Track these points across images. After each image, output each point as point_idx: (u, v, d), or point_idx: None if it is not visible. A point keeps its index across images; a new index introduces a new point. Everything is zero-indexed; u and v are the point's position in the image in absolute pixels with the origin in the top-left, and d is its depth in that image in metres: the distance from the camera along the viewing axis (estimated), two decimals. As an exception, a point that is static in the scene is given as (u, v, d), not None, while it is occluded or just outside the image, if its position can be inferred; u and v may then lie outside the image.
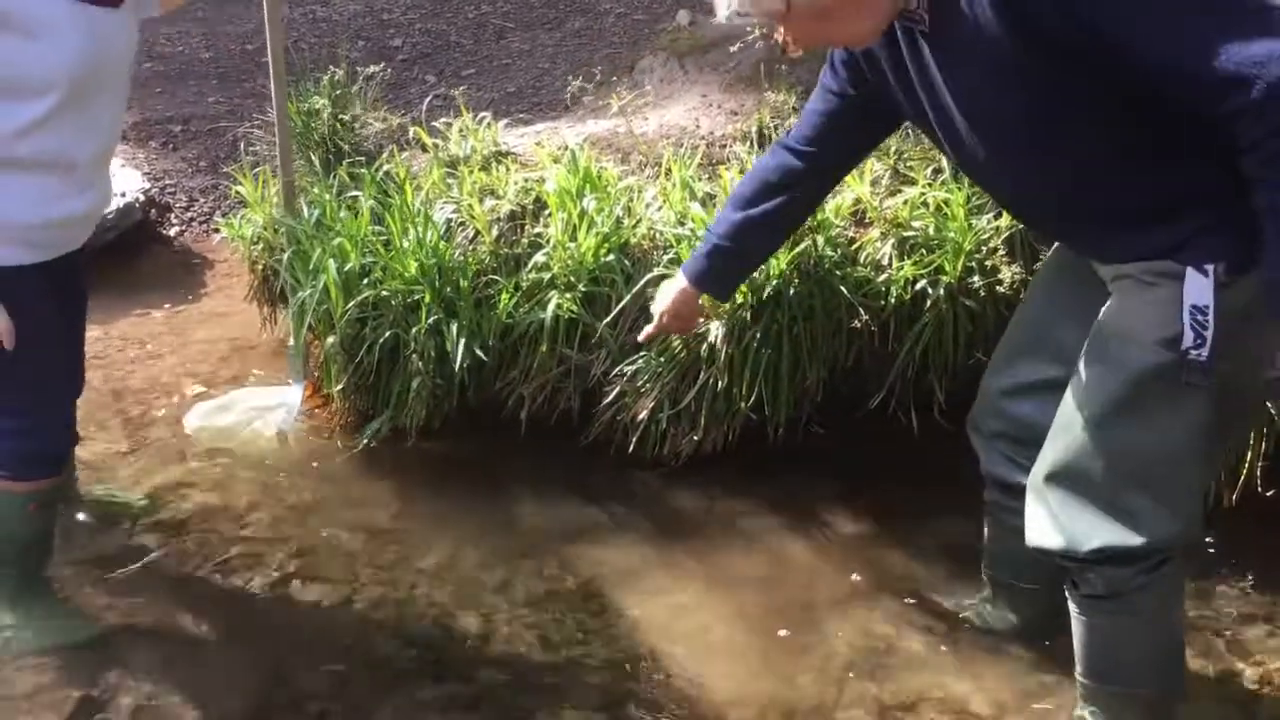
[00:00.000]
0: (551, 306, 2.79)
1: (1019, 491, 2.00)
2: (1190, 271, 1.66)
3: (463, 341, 2.78)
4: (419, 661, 2.29)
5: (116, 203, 3.94)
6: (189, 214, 4.19)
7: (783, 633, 2.35)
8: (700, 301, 2.33)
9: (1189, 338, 1.68)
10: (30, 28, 1.97)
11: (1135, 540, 1.79)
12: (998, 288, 2.72)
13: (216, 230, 4.02)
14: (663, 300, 2.32)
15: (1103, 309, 1.82)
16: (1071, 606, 1.93)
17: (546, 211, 2.93)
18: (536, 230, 2.94)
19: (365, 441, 2.90)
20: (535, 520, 2.72)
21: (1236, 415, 1.82)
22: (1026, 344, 2.06)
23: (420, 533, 2.67)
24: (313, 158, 3.35)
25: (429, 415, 2.89)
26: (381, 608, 2.44)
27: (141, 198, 4.05)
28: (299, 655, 2.30)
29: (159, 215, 4.14)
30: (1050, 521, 1.86)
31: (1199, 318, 1.67)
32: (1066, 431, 1.84)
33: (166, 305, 3.72)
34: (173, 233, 4.12)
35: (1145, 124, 1.62)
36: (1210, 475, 1.94)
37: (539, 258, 2.85)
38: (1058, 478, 1.85)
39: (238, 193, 3.47)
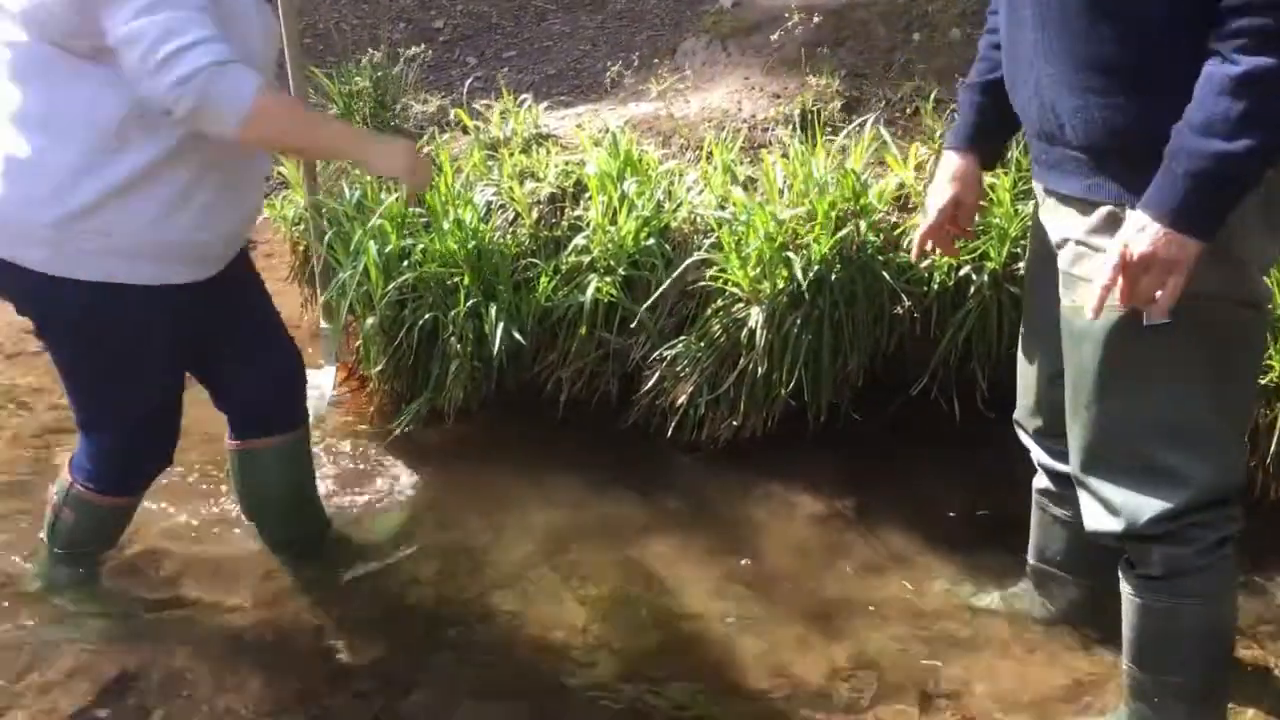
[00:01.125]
0: (591, 290, 2.78)
1: (1066, 479, 1.98)
2: (1130, 213, 1.64)
3: (501, 324, 2.77)
4: (455, 642, 2.30)
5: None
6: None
7: (822, 618, 2.34)
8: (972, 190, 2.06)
9: None
10: (227, 14, 1.90)
11: (1184, 495, 1.77)
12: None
13: (258, 211, 4.03)
14: (939, 193, 2.05)
15: (1060, 291, 1.81)
16: (1125, 590, 1.91)
17: (587, 195, 2.92)
18: (576, 213, 2.93)
19: (403, 423, 2.90)
20: (573, 502, 2.72)
21: (1236, 346, 1.77)
22: (1044, 334, 2.02)
23: (457, 515, 2.67)
24: (354, 139, 3.35)
25: (467, 398, 2.89)
26: (418, 588, 2.45)
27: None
28: (338, 635, 2.31)
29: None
30: (1101, 506, 1.84)
31: None
32: (1075, 417, 1.85)
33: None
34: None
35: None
36: (1239, 416, 1.87)
37: (579, 241, 2.84)
38: (1089, 463, 1.85)
39: (279, 174, 3.48)
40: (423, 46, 3.75)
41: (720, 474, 2.79)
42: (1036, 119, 1.80)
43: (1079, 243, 1.77)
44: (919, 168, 2.85)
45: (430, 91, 3.51)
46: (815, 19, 3.36)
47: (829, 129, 3.00)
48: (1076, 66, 1.69)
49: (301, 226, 3.28)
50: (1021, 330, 2.12)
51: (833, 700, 2.13)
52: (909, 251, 2.75)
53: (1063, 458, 2.03)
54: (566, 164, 3.02)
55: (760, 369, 2.69)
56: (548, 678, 2.21)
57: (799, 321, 2.66)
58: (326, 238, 3.00)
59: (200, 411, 2.48)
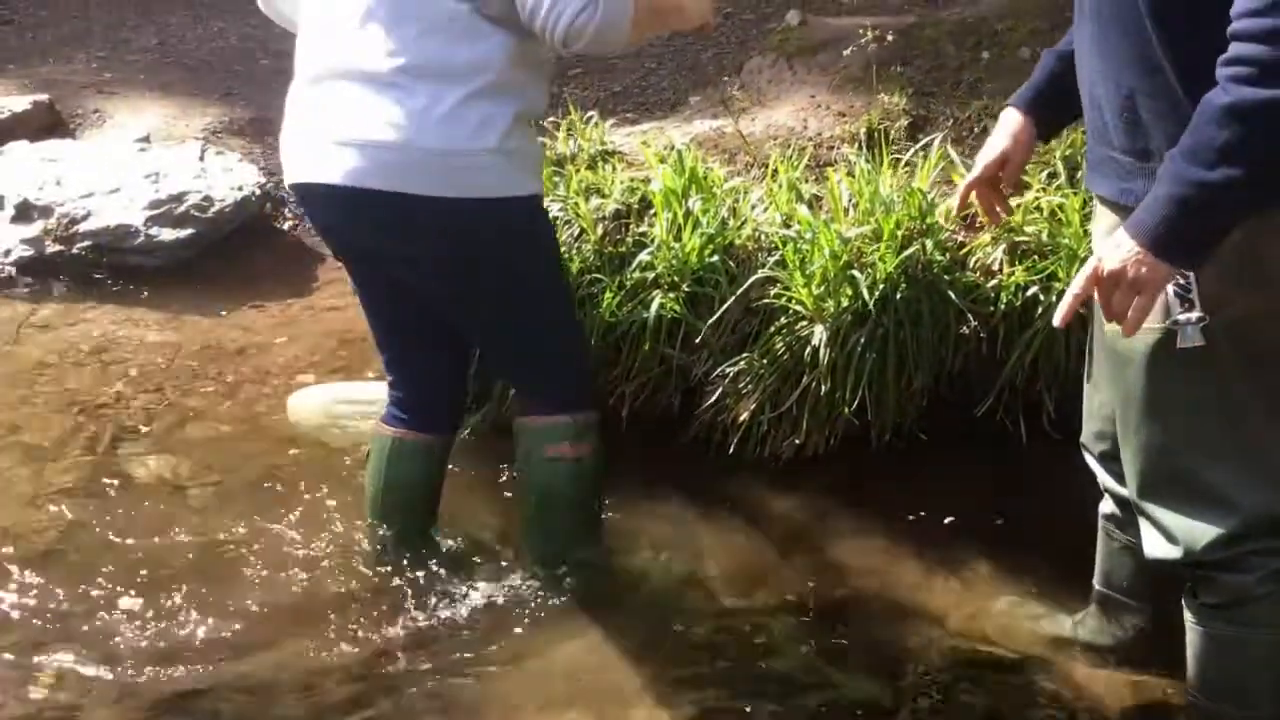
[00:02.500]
0: (655, 306, 2.80)
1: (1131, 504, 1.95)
2: (1117, 232, 1.62)
3: (566, 339, 2.79)
4: (514, 651, 2.31)
5: (234, 196, 4.05)
6: (302, 209, 4.28)
7: (884, 637, 2.32)
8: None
9: (1175, 306, 1.65)
10: None
11: (1238, 520, 1.74)
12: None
13: (328, 225, 4.10)
14: (989, 147, 2.06)
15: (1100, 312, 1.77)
16: (1189, 619, 1.88)
17: (651, 211, 2.93)
18: (641, 229, 2.94)
19: (466, 434, 2.93)
20: (636, 514, 2.73)
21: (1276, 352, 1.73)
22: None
23: (513, 530, 2.69)
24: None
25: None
26: (483, 596, 2.46)
27: (258, 192, 4.16)
28: (390, 648, 2.34)
29: (274, 209, 4.25)
30: (1160, 533, 1.82)
31: (1179, 282, 1.63)
32: (1126, 443, 1.83)
33: (278, 298, 3.81)
34: (286, 227, 4.22)
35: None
36: None
37: (643, 257, 2.86)
38: (1144, 490, 1.83)
39: (349, 188, 3.53)
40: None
41: (782, 490, 2.78)
42: (1087, 116, 1.79)
43: None
44: (987, 187, 2.82)
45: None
46: (885, 37, 3.35)
47: (895, 147, 2.99)
48: (1125, 63, 1.67)
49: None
50: (1087, 351, 2.09)
51: (895, 721, 2.12)
52: (975, 270, 2.73)
53: (1123, 480, 2.00)
54: (632, 180, 3.04)
55: (823, 387, 2.68)
56: (604, 689, 2.21)
57: (863, 340, 2.66)
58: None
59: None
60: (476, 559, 2.58)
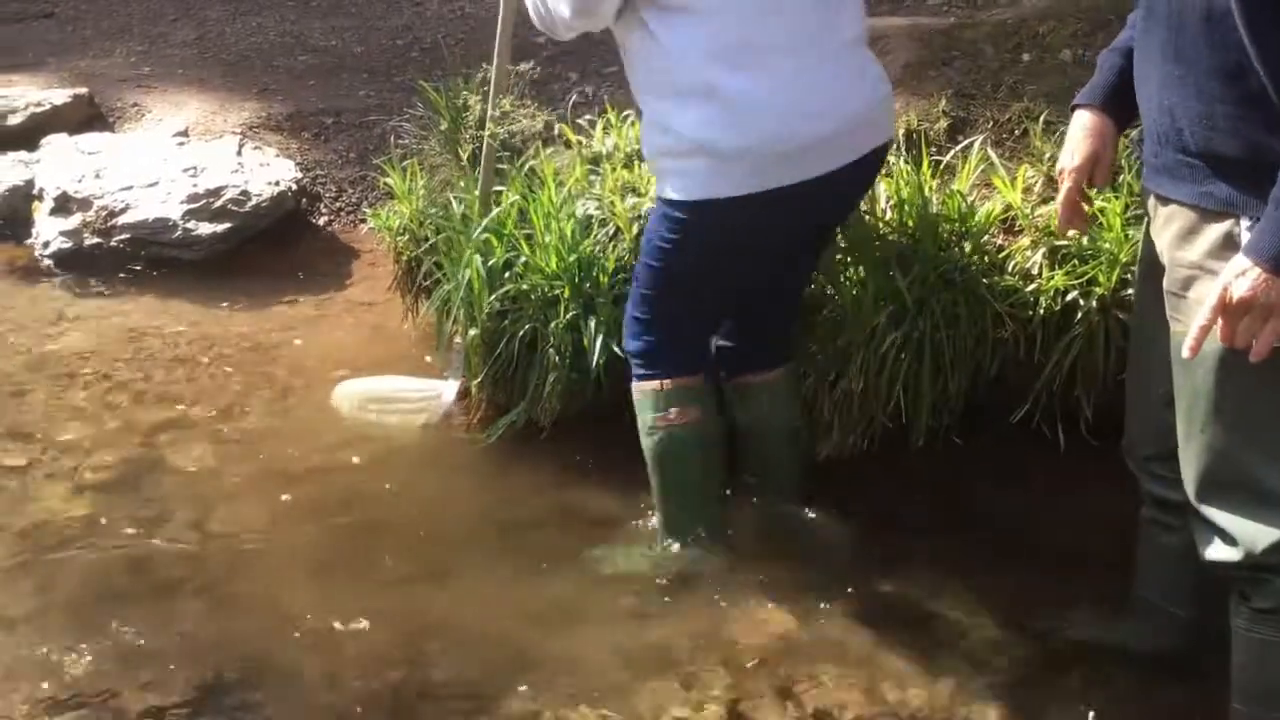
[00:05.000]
0: (689, 306, 2.78)
1: (1176, 508, 1.93)
2: (1246, 235, 1.62)
3: (600, 337, 2.79)
4: (539, 656, 2.31)
5: (270, 191, 4.08)
6: (337, 204, 4.30)
7: (918, 642, 2.31)
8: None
9: None
10: None
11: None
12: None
13: (363, 221, 4.12)
14: (1078, 149, 1.98)
15: (1168, 313, 1.79)
16: (1238, 625, 1.86)
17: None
18: (677, 229, 2.93)
19: (499, 433, 2.93)
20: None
21: None
22: (1154, 357, 1.97)
23: (552, 525, 2.70)
24: (459, 152, 3.40)
25: (563, 410, 2.91)
26: (514, 595, 2.47)
27: (294, 187, 4.18)
28: (426, 641, 2.35)
29: (309, 205, 4.27)
30: (1218, 536, 1.81)
31: None
32: (1189, 444, 1.81)
33: (314, 292, 3.83)
34: (321, 222, 4.24)
35: None
36: None
37: (678, 256, 2.84)
38: (1204, 491, 1.81)
39: (385, 184, 3.55)
40: (531, 64, 3.79)
41: (816, 493, 2.77)
42: (1155, 120, 1.77)
43: (1193, 265, 1.73)
44: (1027, 190, 2.80)
45: (535, 106, 3.55)
46: (925, 38, 3.33)
47: (935, 149, 2.97)
48: (1207, 71, 1.65)
49: (405, 237, 3.34)
50: (1129, 353, 2.07)
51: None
52: (1014, 274, 2.71)
53: (1172, 486, 1.97)
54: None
55: (858, 388, 2.67)
56: (633, 694, 2.21)
57: (899, 342, 2.64)
58: (430, 246, 3.05)
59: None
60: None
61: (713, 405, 2.53)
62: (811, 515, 2.65)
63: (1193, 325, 1.65)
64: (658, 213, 2.37)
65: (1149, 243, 1.91)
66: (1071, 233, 2.25)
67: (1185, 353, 1.67)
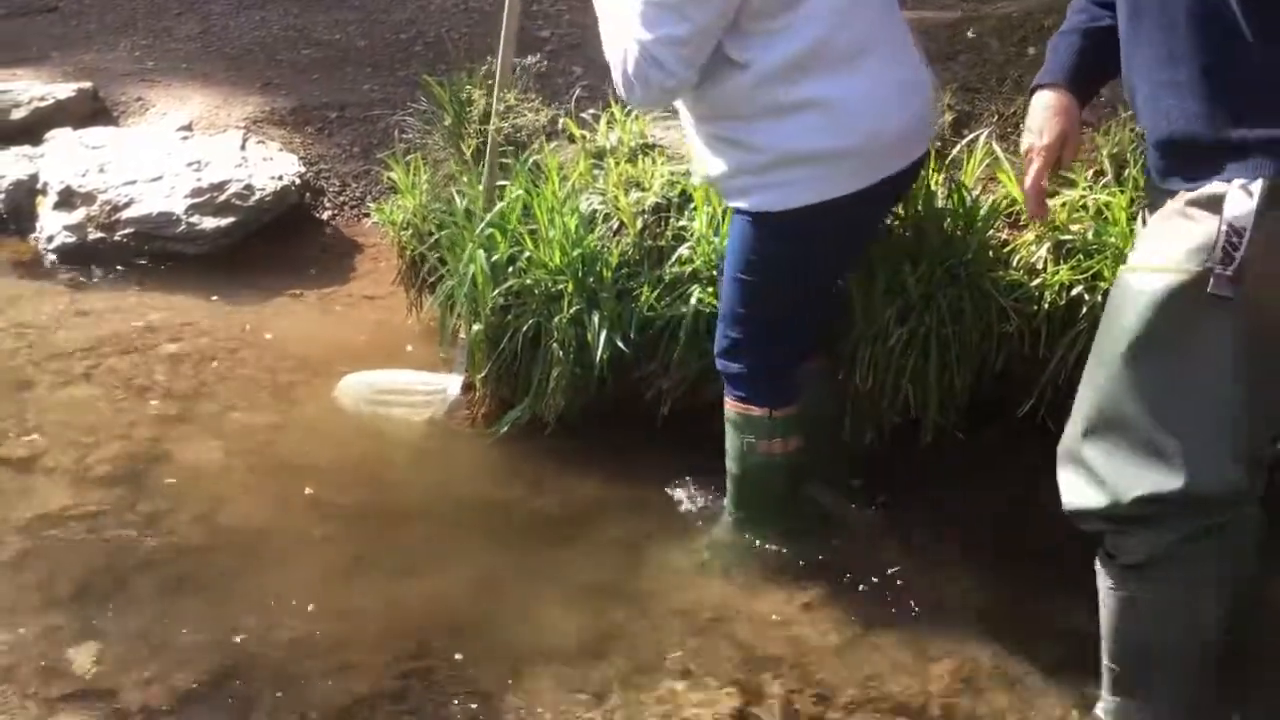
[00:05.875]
0: (694, 300, 2.78)
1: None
2: (1234, 189, 1.61)
3: (604, 332, 2.78)
4: (544, 649, 2.32)
5: (274, 185, 4.07)
6: (341, 198, 4.30)
7: (920, 637, 2.31)
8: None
9: (1217, 255, 1.62)
10: None
11: (1176, 483, 1.71)
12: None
13: (367, 215, 4.12)
14: (1045, 129, 1.94)
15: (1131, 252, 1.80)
16: (1103, 584, 1.87)
17: (691, 205, 2.91)
18: (681, 223, 2.93)
19: (504, 428, 2.93)
20: (674, 510, 2.72)
21: (1273, 362, 1.70)
22: None
23: (558, 521, 2.70)
24: (463, 147, 3.40)
25: (568, 405, 2.90)
26: (514, 592, 2.47)
27: (298, 181, 4.18)
28: (433, 636, 2.35)
29: (313, 199, 4.27)
30: (1088, 479, 1.79)
31: (1233, 239, 1.60)
32: (1092, 381, 1.79)
33: (317, 286, 3.83)
34: (325, 216, 4.24)
35: None
36: (1254, 431, 1.76)
37: (682, 251, 2.84)
38: (1092, 432, 1.79)
39: (389, 179, 3.55)
40: (537, 57, 3.78)
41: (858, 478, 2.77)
42: (1153, 122, 1.78)
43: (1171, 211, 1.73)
44: (1032, 184, 2.79)
45: (539, 100, 3.54)
46: (929, 32, 3.32)
47: (940, 143, 2.95)
48: (1156, 58, 1.67)
49: (409, 231, 3.34)
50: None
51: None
52: (1019, 269, 2.70)
53: None
54: (672, 174, 3.02)
55: (866, 385, 2.67)
56: (637, 687, 2.21)
57: (905, 338, 2.63)
58: (434, 240, 3.05)
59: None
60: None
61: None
62: (851, 503, 2.68)
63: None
64: (745, 229, 2.38)
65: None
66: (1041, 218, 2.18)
67: None
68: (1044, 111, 1.95)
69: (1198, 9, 1.65)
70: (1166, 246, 1.70)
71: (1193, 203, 1.69)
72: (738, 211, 2.40)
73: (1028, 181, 1.97)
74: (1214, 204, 1.65)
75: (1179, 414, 1.71)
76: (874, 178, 2.29)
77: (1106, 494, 1.76)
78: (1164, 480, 1.71)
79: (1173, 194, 1.76)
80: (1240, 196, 1.61)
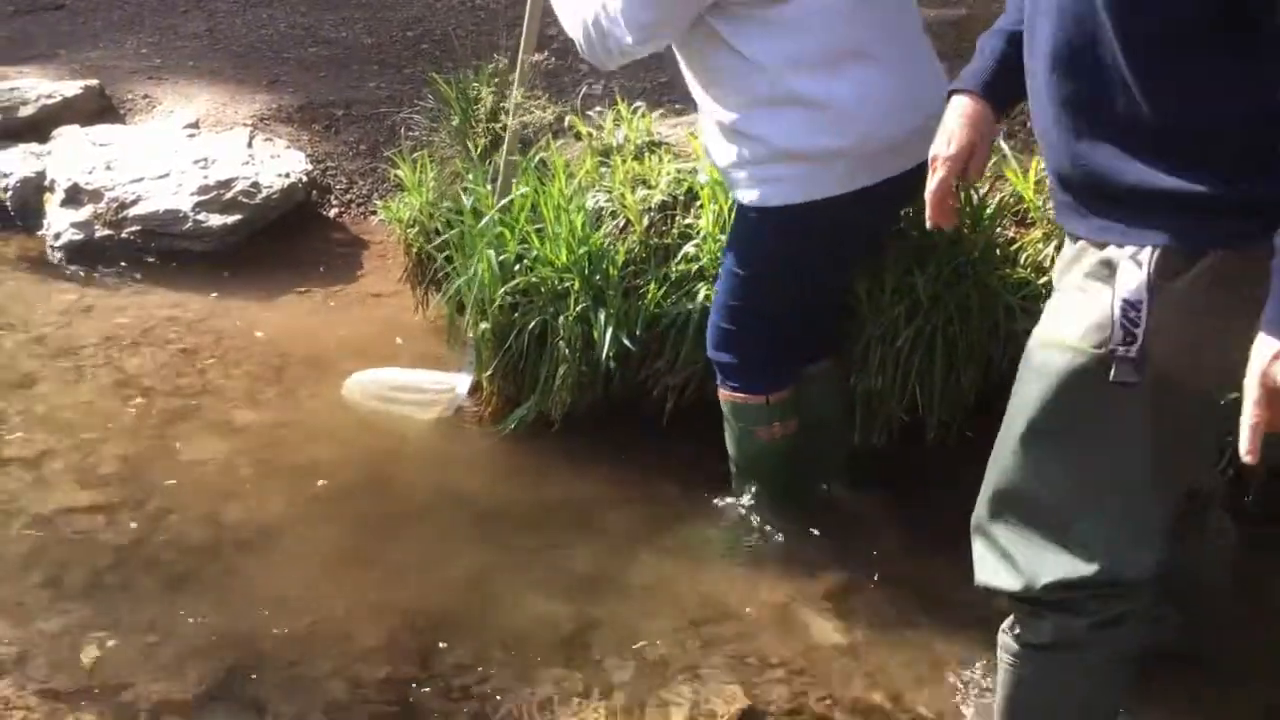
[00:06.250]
0: (700, 298, 2.78)
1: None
2: (1125, 260, 1.50)
3: (610, 330, 2.78)
4: (550, 646, 2.32)
5: (281, 183, 4.08)
6: (348, 196, 4.30)
7: (928, 636, 2.31)
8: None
9: (1117, 335, 1.51)
10: None
11: (1090, 568, 1.62)
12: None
13: (373, 213, 4.12)
14: (953, 138, 1.81)
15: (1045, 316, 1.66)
16: (1004, 656, 1.78)
17: (698, 203, 2.91)
18: (687, 221, 2.92)
19: (512, 426, 2.93)
20: (680, 507, 2.72)
21: (1186, 436, 1.61)
22: None
23: (564, 519, 2.70)
24: (470, 145, 3.40)
25: (574, 402, 2.90)
26: (519, 588, 2.47)
27: (305, 179, 4.18)
28: (440, 633, 2.35)
29: (320, 196, 4.27)
30: (1000, 559, 1.69)
31: (1130, 314, 1.49)
32: (1000, 459, 1.67)
33: (324, 284, 3.84)
34: (332, 214, 4.24)
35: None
36: (1166, 509, 1.67)
37: (688, 249, 2.84)
38: (999, 509, 1.68)
39: (395, 176, 3.55)
40: (545, 54, 3.78)
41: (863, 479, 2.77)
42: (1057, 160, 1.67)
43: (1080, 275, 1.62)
44: (1039, 182, 2.78)
45: (546, 98, 3.54)
46: (934, 31, 3.30)
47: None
48: (1050, 92, 1.57)
49: (416, 229, 3.34)
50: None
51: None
52: (1026, 266, 2.69)
53: None
54: (678, 172, 3.02)
55: (875, 384, 2.67)
56: (642, 686, 2.21)
57: (912, 337, 2.63)
58: (442, 240, 3.05)
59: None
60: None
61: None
62: (857, 501, 2.68)
63: (1243, 427, 1.42)
64: (743, 222, 2.39)
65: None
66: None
67: (1249, 458, 1.41)
68: (956, 119, 1.82)
69: (1081, 42, 1.53)
70: (1066, 321, 1.59)
71: (1090, 274, 1.57)
72: (738, 205, 2.40)
73: (929, 188, 1.84)
74: (1108, 273, 1.54)
75: (1087, 499, 1.61)
76: (866, 181, 2.26)
77: (1019, 577, 1.66)
78: (1076, 566, 1.62)
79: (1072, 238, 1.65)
80: (1131, 268, 1.50)
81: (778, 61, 2.21)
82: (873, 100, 2.23)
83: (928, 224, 1.86)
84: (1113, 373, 1.51)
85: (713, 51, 2.27)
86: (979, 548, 1.73)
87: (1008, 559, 1.68)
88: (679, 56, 2.40)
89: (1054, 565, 1.64)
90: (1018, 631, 1.75)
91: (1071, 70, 1.54)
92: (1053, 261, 2.68)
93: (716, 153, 2.41)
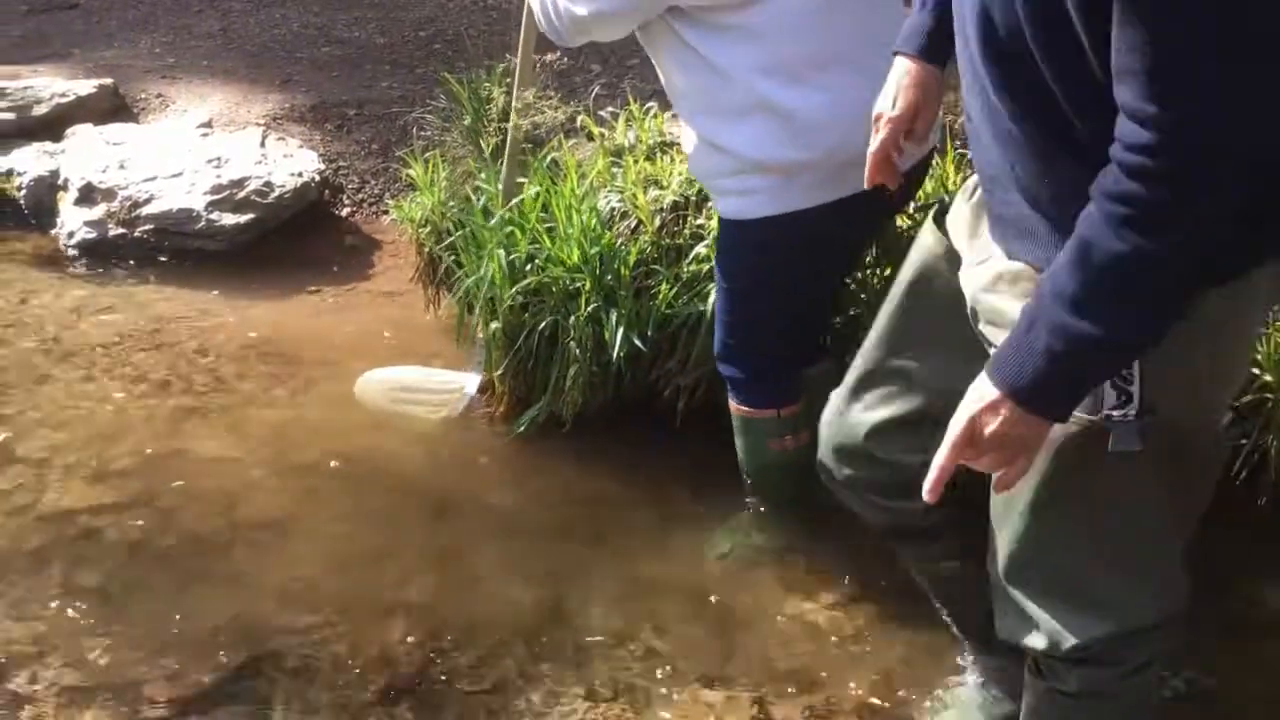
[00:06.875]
0: (711, 299, 2.77)
1: (920, 535, 1.83)
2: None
3: (621, 330, 2.78)
4: (560, 647, 2.33)
5: (293, 182, 4.09)
6: (360, 195, 4.31)
7: (939, 642, 2.30)
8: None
9: (1109, 399, 1.37)
10: None
11: (1116, 622, 1.55)
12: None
13: (385, 212, 4.13)
14: (896, 99, 1.74)
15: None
16: (1028, 694, 1.73)
17: (709, 203, 2.91)
18: (699, 222, 2.92)
19: (523, 427, 2.93)
20: (689, 507, 2.72)
21: (1200, 471, 1.53)
22: (889, 370, 1.79)
23: (575, 518, 2.70)
24: (482, 144, 3.40)
25: (585, 403, 2.90)
26: (528, 588, 2.47)
27: (317, 178, 4.19)
28: (449, 631, 2.35)
29: (332, 196, 4.28)
30: (1024, 619, 1.61)
31: (1121, 371, 1.35)
32: (1009, 523, 1.56)
33: (336, 283, 3.84)
34: (344, 213, 4.25)
35: None
36: (1184, 540, 1.60)
37: (700, 249, 2.84)
38: (1014, 574, 1.60)
39: (407, 176, 3.55)
40: (556, 54, 3.78)
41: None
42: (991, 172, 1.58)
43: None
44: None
45: (558, 98, 3.54)
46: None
47: (959, 142, 2.94)
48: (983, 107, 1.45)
49: (427, 229, 3.34)
50: (866, 355, 1.86)
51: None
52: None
53: (890, 513, 1.87)
54: (690, 172, 3.01)
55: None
56: (651, 685, 2.20)
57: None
58: (450, 241, 3.05)
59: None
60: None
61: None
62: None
63: (933, 466, 1.37)
64: (726, 234, 2.35)
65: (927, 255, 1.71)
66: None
67: (929, 498, 1.38)
68: (901, 79, 1.75)
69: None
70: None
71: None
72: (719, 217, 2.37)
73: (871, 148, 1.78)
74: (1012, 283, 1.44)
75: (1107, 560, 1.53)
76: (837, 194, 2.17)
77: (1043, 638, 1.59)
78: (1103, 625, 1.56)
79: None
80: None
81: (748, 70, 2.14)
82: (846, 110, 2.11)
83: (865, 183, 1.81)
84: (1111, 443, 1.39)
85: (684, 62, 2.22)
86: (999, 603, 1.65)
87: (1029, 620, 1.60)
88: (658, 70, 2.38)
89: (1079, 628, 1.56)
90: (1040, 673, 1.68)
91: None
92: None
93: (695, 164, 2.38)
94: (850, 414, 1.88)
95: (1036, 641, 1.60)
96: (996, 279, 1.47)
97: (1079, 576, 1.55)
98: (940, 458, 1.37)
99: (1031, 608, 1.59)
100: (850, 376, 1.90)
